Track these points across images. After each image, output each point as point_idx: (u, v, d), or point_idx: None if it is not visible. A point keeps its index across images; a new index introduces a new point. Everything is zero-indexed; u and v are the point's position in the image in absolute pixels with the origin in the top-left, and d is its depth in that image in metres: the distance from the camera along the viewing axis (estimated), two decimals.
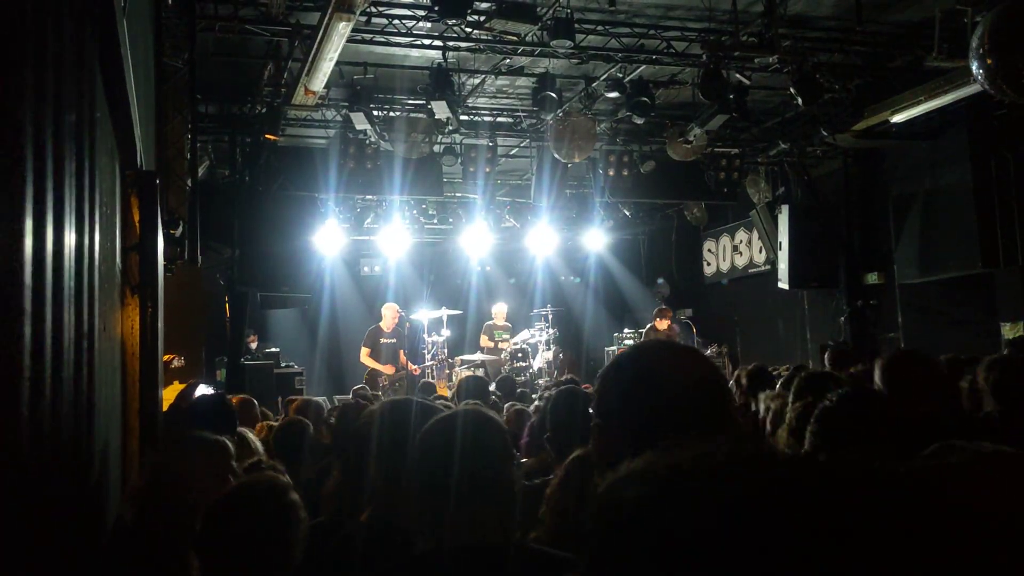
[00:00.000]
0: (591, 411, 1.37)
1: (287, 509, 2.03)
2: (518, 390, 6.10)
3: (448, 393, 10.80)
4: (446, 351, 12.30)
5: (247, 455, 3.64)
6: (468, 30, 7.71)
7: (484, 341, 12.66)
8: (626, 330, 14.09)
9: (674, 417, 1.23)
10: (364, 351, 11.12)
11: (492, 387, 7.19)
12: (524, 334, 12.75)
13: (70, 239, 1.57)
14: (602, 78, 9.16)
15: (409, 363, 11.64)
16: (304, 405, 5.61)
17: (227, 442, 2.66)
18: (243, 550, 1.96)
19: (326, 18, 6.49)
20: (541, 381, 11.82)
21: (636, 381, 1.31)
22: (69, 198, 1.54)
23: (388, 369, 10.83)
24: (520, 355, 12.27)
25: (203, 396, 4.76)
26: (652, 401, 1.26)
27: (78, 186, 1.68)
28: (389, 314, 11.29)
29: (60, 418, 1.46)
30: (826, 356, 6.80)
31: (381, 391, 10.20)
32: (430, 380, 10.31)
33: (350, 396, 7.65)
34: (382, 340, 11.13)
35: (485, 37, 7.78)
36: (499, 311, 12.95)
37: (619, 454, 1.25)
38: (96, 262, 1.98)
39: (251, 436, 3.98)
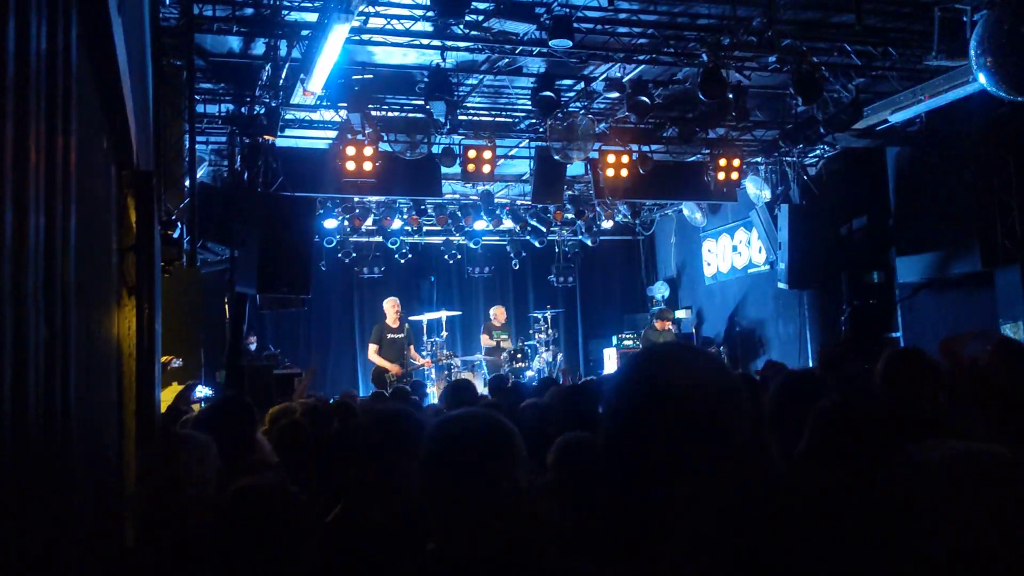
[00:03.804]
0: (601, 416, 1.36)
1: (295, 509, 2.03)
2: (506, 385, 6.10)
3: None
4: (445, 352, 12.32)
5: (260, 457, 3.62)
6: (466, 30, 7.69)
7: (485, 340, 12.70)
8: (625, 331, 14.08)
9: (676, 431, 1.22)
10: (372, 348, 11.10)
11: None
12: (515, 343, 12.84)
13: (37, 221, 1.53)
14: (601, 78, 9.15)
15: (418, 356, 11.66)
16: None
17: (211, 441, 2.64)
18: (254, 550, 1.95)
19: (324, 19, 6.48)
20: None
21: (642, 394, 1.29)
22: (35, 189, 1.50)
23: (395, 369, 10.81)
24: (519, 355, 12.30)
25: (220, 397, 4.75)
26: (653, 417, 1.24)
27: (48, 176, 1.64)
28: (391, 308, 11.27)
29: (25, 419, 1.42)
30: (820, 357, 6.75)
31: (389, 387, 10.22)
32: (419, 380, 10.33)
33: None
34: (388, 336, 11.12)
35: (483, 37, 7.77)
36: (497, 312, 13.00)
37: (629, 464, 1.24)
38: (72, 256, 1.94)
39: (263, 438, 3.96)
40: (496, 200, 13.08)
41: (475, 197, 12.98)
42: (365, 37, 7.67)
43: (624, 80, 9.01)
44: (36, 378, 1.49)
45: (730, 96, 8.72)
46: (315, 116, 9.81)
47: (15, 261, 1.33)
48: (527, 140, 10.91)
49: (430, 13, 7.36)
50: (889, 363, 3.11)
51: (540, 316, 13.38)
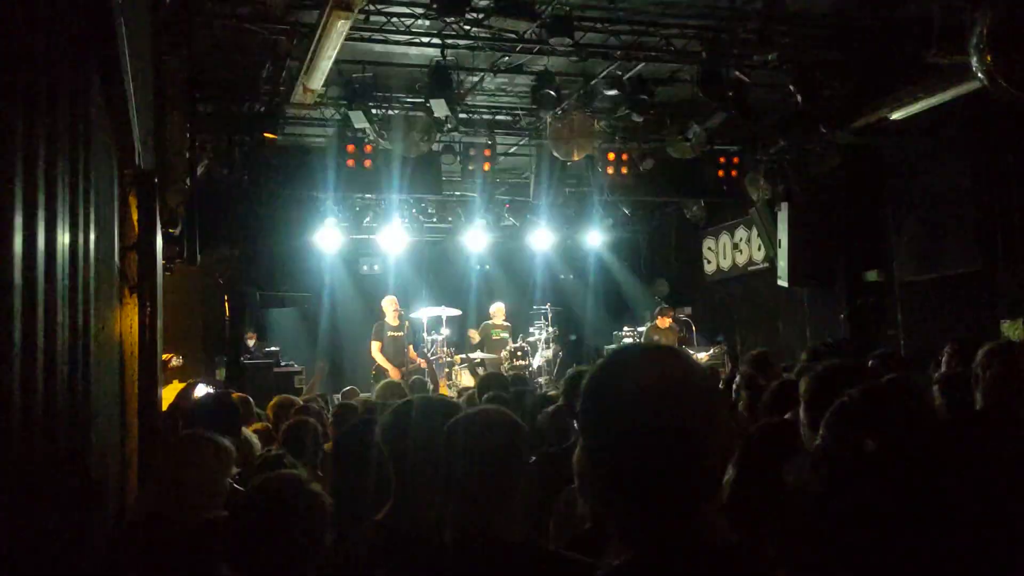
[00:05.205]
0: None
1: (313, 500, 2.07)
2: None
3: (448, 392, 10.81)
4: (446, 350, 12.33)
5: (249, 454, 3.65)
6: (467, 28, 7.70)
7: (473, 337, 12.75)
8: (625, 328, 14.08)
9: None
10: (375, 345, 11.08)
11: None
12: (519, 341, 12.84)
13: (63, 239, 1.56)
14: (601, 76, 9.15)
15: (417, 357, 11.65)
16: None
17: (231, 445, 2.67)
18: (276, 542, 1.99)
19: (324, 16, 6.48)
20: (541, 379, 11.85)
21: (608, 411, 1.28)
22: (62, 198, 1.53)
23: (394, 373, 10.79)
24: (520, 353, 12.30)
25: (207, 395, 4.76)
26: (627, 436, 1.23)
27: (71, 185, 1.67)
28: (390, 307, 11.25)
29: (54, 417, 1.45)
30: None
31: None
32: (423, 379, 10.34)
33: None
34: (389, 334, 11.10)
35: (484, 35, 7.77)
36: (497, 310, 12.99)
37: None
38: (92, 262, 1.97)
39: (251, 435, 3.99)
40: (496, 197, 13.07)
41: (475, 194, 12.97)
42: (365, 35, 7.67)
43: (624, 78, 9.02)
44: (61, 382, 1.52)
45: (730, 94, 8.72)
46: (315, 114, 9.81)
47: (47, 274, 1.36)
48: (527, 138, 10.91)
49: (431, 11, 7.36)
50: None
51: (541, 314, 13.38)
